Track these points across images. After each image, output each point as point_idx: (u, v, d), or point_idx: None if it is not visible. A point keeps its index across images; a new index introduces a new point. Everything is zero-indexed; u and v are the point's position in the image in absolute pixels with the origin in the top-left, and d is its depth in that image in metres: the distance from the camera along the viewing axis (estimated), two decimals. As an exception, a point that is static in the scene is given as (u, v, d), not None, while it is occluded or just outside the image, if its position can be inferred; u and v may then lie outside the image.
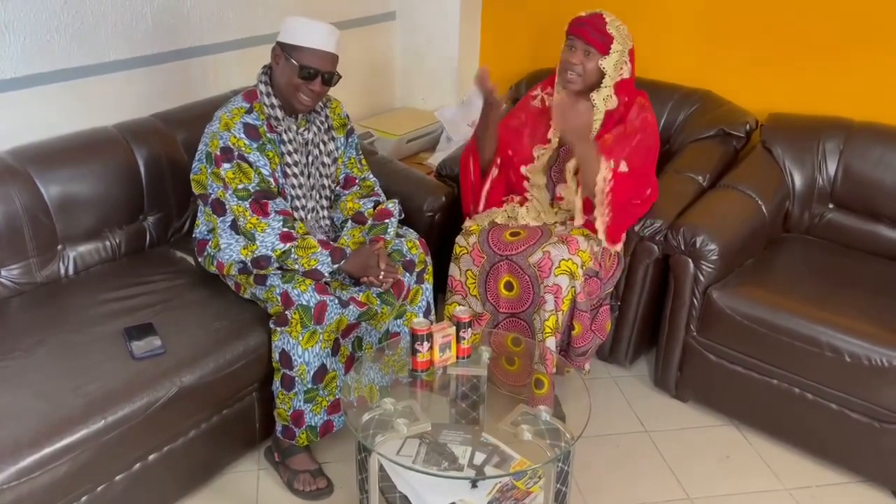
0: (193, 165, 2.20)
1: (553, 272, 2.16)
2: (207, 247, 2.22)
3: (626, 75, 2.24)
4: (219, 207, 2.12)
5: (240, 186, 2.06)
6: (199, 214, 2.27)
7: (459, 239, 2.34)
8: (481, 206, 2.48)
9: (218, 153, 2.07)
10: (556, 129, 2.25)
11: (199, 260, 2.27)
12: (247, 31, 2.88)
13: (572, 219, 2.32)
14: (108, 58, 2.47)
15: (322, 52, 2.04)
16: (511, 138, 2.46)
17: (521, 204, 2.43)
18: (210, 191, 2.13)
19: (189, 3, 2.66)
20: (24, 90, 2.30)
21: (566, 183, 2.34)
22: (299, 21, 2.05)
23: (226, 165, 2.06)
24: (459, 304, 2.33)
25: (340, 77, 2.11)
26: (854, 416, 2.17)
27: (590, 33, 2.19)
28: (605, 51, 2.20)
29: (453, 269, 2.34)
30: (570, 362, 2.33)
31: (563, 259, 2.16)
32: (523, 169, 2.42)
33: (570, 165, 2.30)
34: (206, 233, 2.25)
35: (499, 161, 2.47)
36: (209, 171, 2.12)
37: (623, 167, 2.21)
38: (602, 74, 2.23)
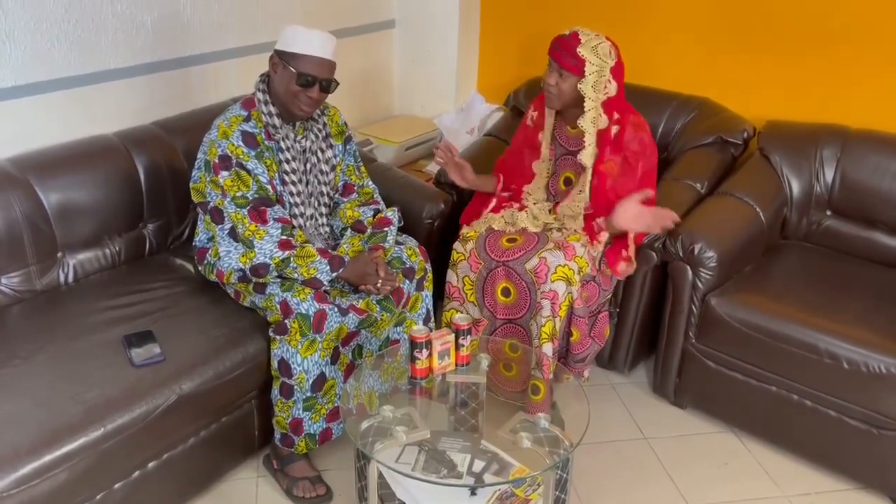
0: (192, 174, 2.21)
1: (549, 278, 2.16)
2: (207, 255, 2.23)
3: (612, 93, 2.23)
4: (217, 215, 2.12)
5: (238, 194, 2.06)
6: (198, 222, 2.27)
7: (457, 245, 2.35)
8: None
9: (216, 161, 2.07)
10: (619, 215, 2.20)
11: (199, 268, 2.27)
12: (247, 39, 2.89)
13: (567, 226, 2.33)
14: (109, 66, 2.48)
15: (319, 60, 2.05)
16: (515, 164, 2.50)
17: (520, 209, 2.43)
18: (209, 199, 2.14)
19: (189, 11, 2.67)
20: (24, 98, 2.30)
21: (569, 200, 2.34)
22: (297, 30, 2.06)
23: (224, 173, 2.07)
24: (457, 310, 2.34)
25: (338, 84, 2.12)
26: (852, 423, 2.17)
27: (562, 56, 2.19)
28: (579, 73, 2.19)
29: (451, 276, 2.35)
30: (569, 369, 2.33)
31: (560, 265, 2.16)
32: (526, 188, 2.45)
33: (585, 184, 2.31)
34: (205, 241, 2.25)
35: (505, 194, 2.52)
36: (208, 179, 2.13)
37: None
38: (580, 95, 2.22)
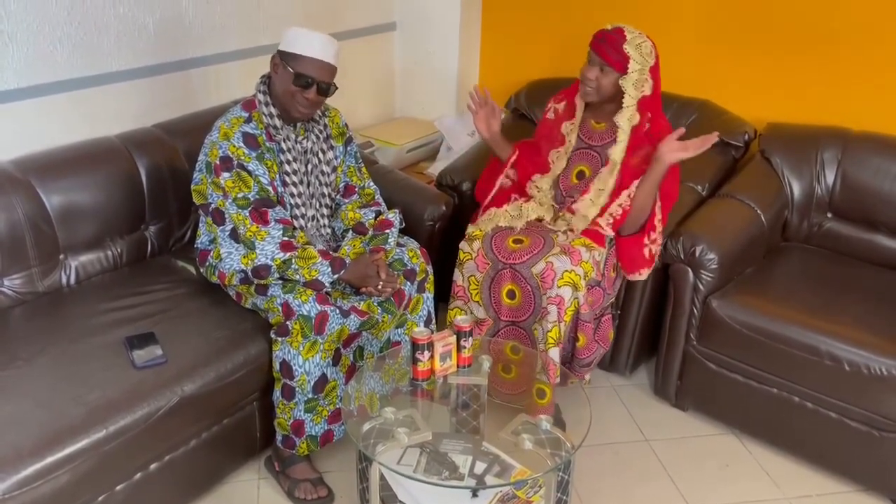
0: (194, 176, 2.22)
1: (556, 283, 2.16)
2: (209, 257, 2.23)
3: (648, 92, 2.23)
4: (218, 217, 2.13)
5: (239, 195, 2.07)
6: (200, 224, 2.28)
7: (463, 245, 2.34)
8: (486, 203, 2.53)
9: (217, 162, 2.08)
10: (663, 150, 2.17)
11: (201, 270, 2.28)
12: (248, 41, 2.90)
13: (573, 229, 2.33)
14: (111, 68, 2.49)
15: (319, 62, 2.06)
16: (533, 153, 2.50)
17: (526, 201, 2.43)
18: (210, 200, 2.14)
19: (191, 13, 2.68)
20: (26, 100, 2.31)
21: (585, 196, 2.34)
22: (300, 31, 2.06)
23: (225, 174, 2.07)
24: (461, 309, 2.33)
25: (336, 88, 2.12)
26: (853, 425, 2.17)
27: (606, 51, 2.19)
28: (622, 69, 2.19)
29: (456, 275, 2.35)
30: (573, 373, 2.33)
31: (566, 270, 2.16)
32: (535, 177, 2.45)
33: (609, 179, 2.30)
34: (207, 243, 2.25)
35: (516, 177, 2.52)
36: (209, 180, 2.13)
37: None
38: (619, 90, 2.23)
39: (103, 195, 2.32)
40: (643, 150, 2.26)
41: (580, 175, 2.39)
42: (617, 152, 2.28)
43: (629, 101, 2.23)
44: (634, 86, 2.22)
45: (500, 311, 2.30)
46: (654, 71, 2.25)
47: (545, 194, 2.41)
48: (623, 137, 2.27)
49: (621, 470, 2.33)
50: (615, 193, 2.29)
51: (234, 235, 2.11)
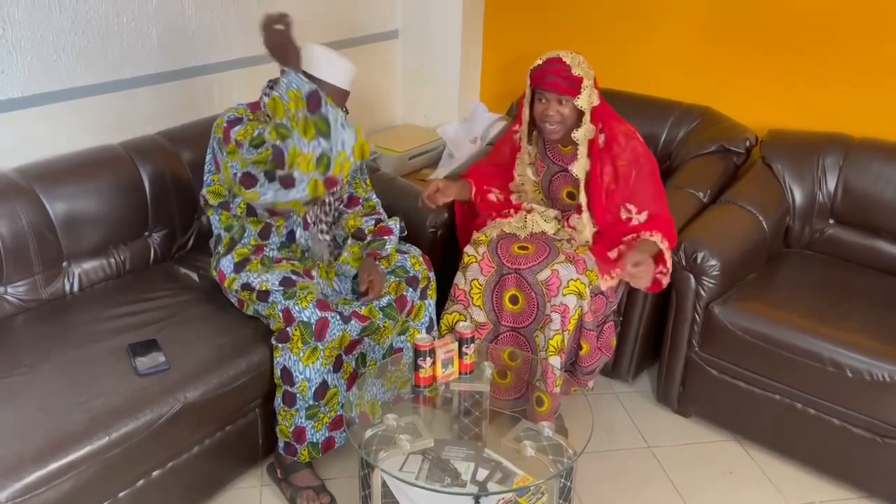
0: (205, 178, 2.20)
1: (561, 291, 2.16)
2: (218, 247, 2.23)
3: (596, 102, 2.22)
4: (249, 179, 1.99)
5: (255, 134, 1.98)
6: (215, 225, 2.25)
7: (468, 248, 2.34)
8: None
9: (226, 125, 2.04)
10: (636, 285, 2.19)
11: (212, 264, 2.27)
12: (251, 49, 2.90)
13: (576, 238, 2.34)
14: (114, 76, 2.50)
15: (340, 90, 2.07)
16: (498, 175, 2.51)
17: (528, 213, 2.44)
18: (234, 170, 2.01)
19: (194, 22, 2.69)
20: (30, 109, 2.32)
21: (580, 214, 2.34)
22: (323, 53, 2.04)
23: (237, 128, 2.02)
24: (460, 314, 2.33)
25: (348, 113, 2.12)
26: (856, 431, 2.17)
27: (559, 84, 2.17)
28: (576, 93, 2.17)
29: (458, 278, 2.34)
30: (576, 380, 2.33)
31: (572, 279, 2.17)
32: (512, 185, 2.47)
33: (580, 196, 2.31)
34: (221, 237, 2.25)
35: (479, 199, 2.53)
36: (224, 157, 2.04)
37: (636, 212, 2.24)
38: (580, 113, 2.22)
39: (106, 203, 2.33)
40: (607, 170, 2.25)
41: (570, 195, 2.40)
42: (578, 168, 2.28)
43: (586, 117, 2.22)
44: (588, 101, 2.20)
45: (501, 315, 2.30)
46: (595, 80, 2.24)
47: (543, 207, 2.42)
48: (583, 153, 2.26)
49: (623, 476, 2.33)
50: (595, 211, 2.30)
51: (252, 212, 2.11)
